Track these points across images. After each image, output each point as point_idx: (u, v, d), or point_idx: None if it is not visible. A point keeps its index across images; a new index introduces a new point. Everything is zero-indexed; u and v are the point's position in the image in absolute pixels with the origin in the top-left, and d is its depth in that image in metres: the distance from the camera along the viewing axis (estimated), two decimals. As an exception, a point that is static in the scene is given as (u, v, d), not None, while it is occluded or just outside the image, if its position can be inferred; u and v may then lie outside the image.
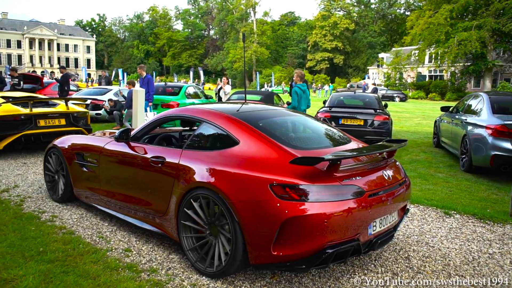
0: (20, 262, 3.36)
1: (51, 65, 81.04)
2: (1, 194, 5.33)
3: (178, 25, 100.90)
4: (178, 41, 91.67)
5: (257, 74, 57.10)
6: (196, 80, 48.55)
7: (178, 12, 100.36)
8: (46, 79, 18.19)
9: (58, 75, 23.87)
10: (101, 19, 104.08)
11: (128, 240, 3.98)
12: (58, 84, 14.47)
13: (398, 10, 77.18)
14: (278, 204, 2.87)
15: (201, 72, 49.76)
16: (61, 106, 8.36)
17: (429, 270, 3.52)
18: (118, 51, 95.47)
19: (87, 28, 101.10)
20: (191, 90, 12.84)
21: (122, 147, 4.13)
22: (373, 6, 77.79)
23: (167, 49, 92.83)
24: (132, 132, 4.20)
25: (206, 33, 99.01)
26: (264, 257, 2.96)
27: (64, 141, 4.96)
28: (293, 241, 2.88)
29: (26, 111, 7.60)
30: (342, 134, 4.06)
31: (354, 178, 3.07)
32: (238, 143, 3.34)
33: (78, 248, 3.69)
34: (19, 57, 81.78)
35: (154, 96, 11.04)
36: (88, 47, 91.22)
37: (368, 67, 66.27)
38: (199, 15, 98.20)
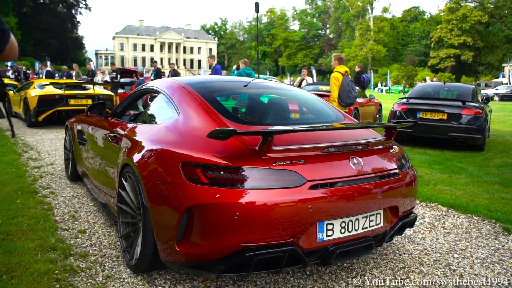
0: (-29, 232, 3.29)
1: (178, 67, 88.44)
2: (31, 170, 5.56)
3: (295, 26, 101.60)
4: (294, 41, 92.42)
5: (371, 73, 54.28)
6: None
7: (295, 13, 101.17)
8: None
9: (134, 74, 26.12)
10: (223, 22, 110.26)
11: (95, 222, 3.69)
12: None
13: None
14: (185, 188, 2.25)
15: (314, 72, 49.25)
16: (91, 90, 10.15)
17: (424, 301, 2.50)
18: (237, 53, 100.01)
19: (210, 31, 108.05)
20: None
21: (100, 123, 3.88)
22: (514, -6, 67.98)
23: (283, 50, 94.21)
24: (114, 109, 3.93)
25: (323, 32, 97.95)
26: (169, 253, 2.36)
27: (74, 119, 4.94)
28: (199, 236, 2.23)
29: (60, 92, 9.78)
30: (333, 112, 3.21)
31: (293, 161, 2.28)
32: (178, 115, 2.79)
33: (36, 224, 3.51)
34: (151, 59, 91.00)
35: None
36: (210, 49, 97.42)
37: (503, 64, 58.09)
38: (316, 14, 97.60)
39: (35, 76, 21.22)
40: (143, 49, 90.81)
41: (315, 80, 49.84)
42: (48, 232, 3.35)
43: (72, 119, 5.02)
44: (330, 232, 2.35)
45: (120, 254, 3.02)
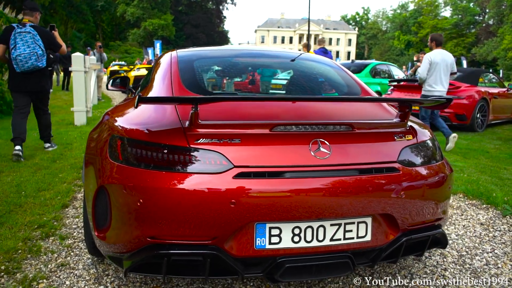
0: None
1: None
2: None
3: (446, 12, 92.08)
4: (444, 29, 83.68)
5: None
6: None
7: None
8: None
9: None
10: (365, 12, 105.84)
11: (110, 203, 3.51)
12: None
13: None
14: (103, 165, 1.88)
15: (464, 62, 43.65)
16: None
17: None
18: (378, 43, 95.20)
19: (351, 21, 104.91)
20: (382, 67, 11.27)
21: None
22: None
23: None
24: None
25: (480, 18, 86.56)
26: (95, 238, 1.98)
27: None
28: (113, 223, 1.80)
29: None
30: (349, 84, 2.41)
31: (220, 140, 1.66)
32: (147, 86, 2.38)
33: (52, 199, 3.47)
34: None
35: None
36: (350, 40, 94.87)
37: None
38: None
39: None
40: (282, 41, 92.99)
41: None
42: (53, 209, 3.25)
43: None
44: (275, 239, 1.69)
45: (97, 241, 2.73)
